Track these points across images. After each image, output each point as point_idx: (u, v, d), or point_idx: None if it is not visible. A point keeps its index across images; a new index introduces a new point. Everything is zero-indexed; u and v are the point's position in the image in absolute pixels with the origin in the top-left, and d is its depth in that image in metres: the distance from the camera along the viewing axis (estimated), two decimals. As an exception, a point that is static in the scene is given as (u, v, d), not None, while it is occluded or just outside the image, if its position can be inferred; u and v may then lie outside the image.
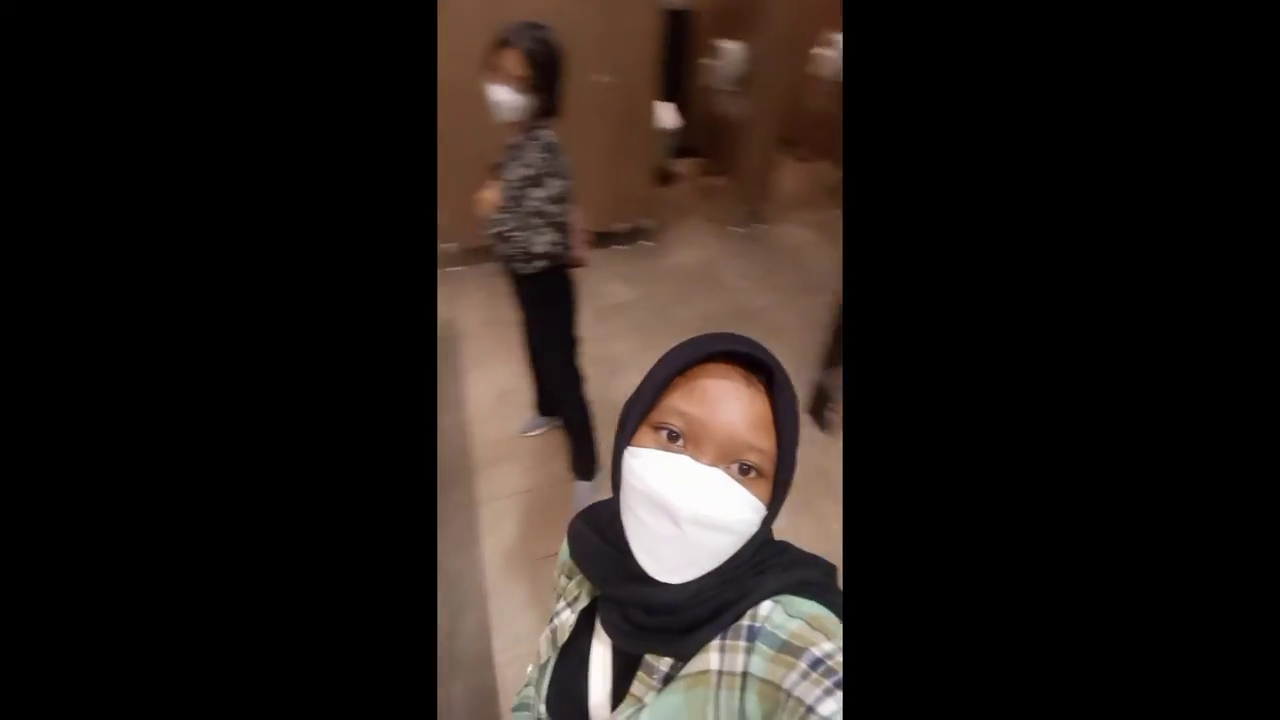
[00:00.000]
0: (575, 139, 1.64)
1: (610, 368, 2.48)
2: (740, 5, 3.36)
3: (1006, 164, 0.32)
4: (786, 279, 3.29)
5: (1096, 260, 0.31)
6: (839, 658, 0.42)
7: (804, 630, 0.44)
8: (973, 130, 0.33)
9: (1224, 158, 0.29)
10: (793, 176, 4.50)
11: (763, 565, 0.48)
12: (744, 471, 0.45)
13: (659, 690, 0.47)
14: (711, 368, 0.46)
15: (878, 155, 0.35)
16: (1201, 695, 0.28)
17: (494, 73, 1.31)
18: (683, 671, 0.46)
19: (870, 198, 0.35)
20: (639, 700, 0.48)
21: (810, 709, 0.39)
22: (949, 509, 0.33)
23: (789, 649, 0.43)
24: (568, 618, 0.56)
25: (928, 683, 0.32)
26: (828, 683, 0.40)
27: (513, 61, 1.29)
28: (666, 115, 3.35)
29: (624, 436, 0.48)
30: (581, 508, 0.60)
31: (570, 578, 0.59)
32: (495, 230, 1.46)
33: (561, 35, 1.36)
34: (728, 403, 0.45)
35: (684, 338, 0.49)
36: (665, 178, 4.02)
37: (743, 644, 0.45)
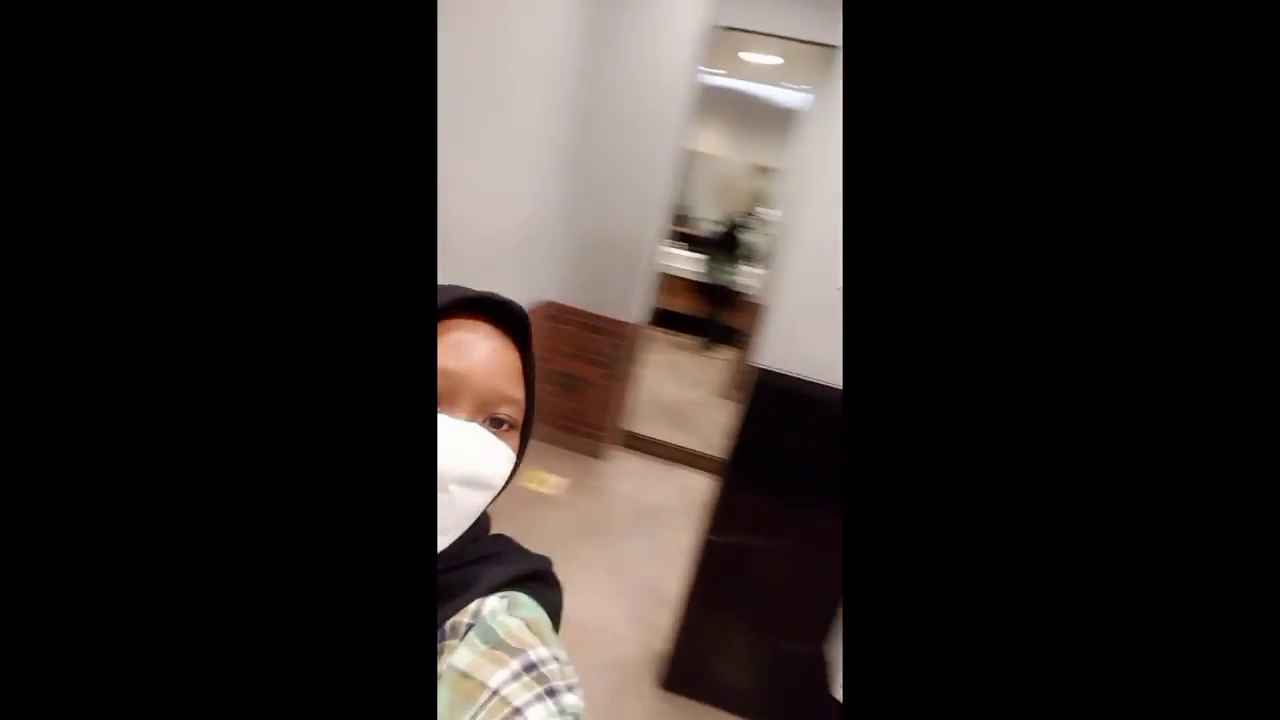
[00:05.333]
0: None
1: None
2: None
3: (1007, 169, 0.32)
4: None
5: (1097, 272, 0.31)
6: (553, 666, 0.41)
7: (521, 632, 0.43)
8: (972, 137, 0.33)
9: (1213, 161, 0.29)
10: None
11: (487, 551, 0.47)
12: (497, 424, 0.44)
13: None
14: (462, 320, 0.44)
15: (878, 158, 0.35)
16: (1199, 696, 0.28)
17: None
18: None
19: (870, 201, 0.35)
20: None
21: (518, 710, 0.38)
22: (950, 516, 0.33)
23: (503, 647, 0.42)
24: None
25: (927, 685, 0.32)
26: (539, 689, 0.40)
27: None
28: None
29: None
30: None
31: None
32: None
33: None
34: (484, 354, 0.44)
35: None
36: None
37: (460, 642, 0.43)
